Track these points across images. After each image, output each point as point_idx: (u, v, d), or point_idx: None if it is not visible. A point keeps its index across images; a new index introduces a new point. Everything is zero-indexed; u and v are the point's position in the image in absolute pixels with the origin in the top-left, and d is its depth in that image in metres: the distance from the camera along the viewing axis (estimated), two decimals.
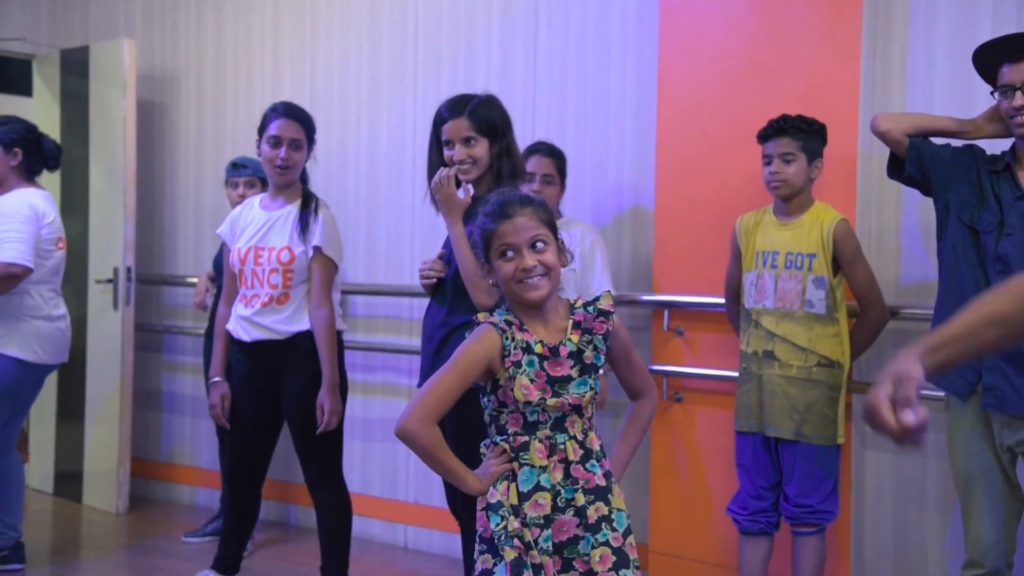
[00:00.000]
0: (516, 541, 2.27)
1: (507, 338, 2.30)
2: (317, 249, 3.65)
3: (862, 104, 3.61)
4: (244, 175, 4.68)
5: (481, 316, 2.37)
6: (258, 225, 3.72)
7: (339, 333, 3.75)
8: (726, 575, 3.82)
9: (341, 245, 3.80)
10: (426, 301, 4.69)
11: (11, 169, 4.22)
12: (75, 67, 5.60)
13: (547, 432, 2.32)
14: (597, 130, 4.27)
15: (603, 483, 2.36)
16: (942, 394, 3.12)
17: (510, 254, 2.32)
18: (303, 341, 3.64)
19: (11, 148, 4.23)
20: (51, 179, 5.61)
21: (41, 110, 5.79)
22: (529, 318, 2.35)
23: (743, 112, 3.80)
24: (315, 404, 3.63)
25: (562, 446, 2.32)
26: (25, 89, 6.18)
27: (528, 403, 2.29)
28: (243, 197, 4.68)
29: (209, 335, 4.82)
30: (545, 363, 2.31)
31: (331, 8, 5.11)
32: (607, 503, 2.35)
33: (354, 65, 5.04)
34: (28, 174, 4.28)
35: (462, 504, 3.16)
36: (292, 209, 3.71)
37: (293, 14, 5.25)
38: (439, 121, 3.19)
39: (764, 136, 3.46)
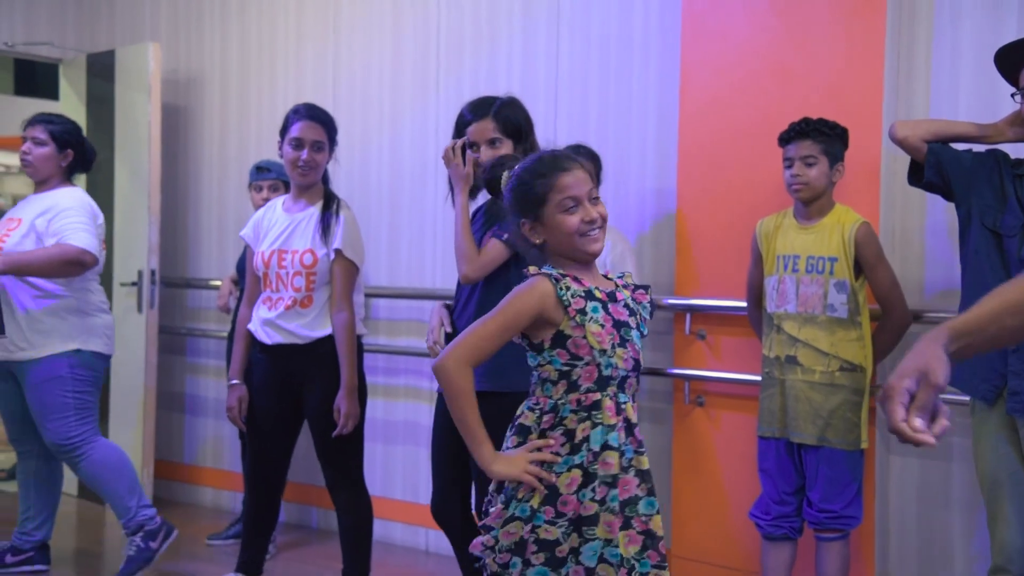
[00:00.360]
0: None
1: (561, 288, 2.28)
2: (338, 252, 3.65)
3: (886, 106, 3.59)
4: (268, 178, 4.70)
5: (532, 269, 2.34)
6: (281, 228, 3.72)
7: (358, 337, 3.75)
8: None
9: (362, 246, 3.79)
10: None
11: (60, 169, 4.24)
12: (101, 71, 5.64)
13: (614, 389, 2.30)
14: (619, 132, 4.26)
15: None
16: (967, 398, 3.09)
17: (573, 206, 2.30)
18: (325, 346, 3.64)
19: (64, 148, 4.25)
20: (78, 182, 5.65)
21: (67, 114, 5.80)
22: (580, 272, 2.35)
23: (766, 114, 3.78)
24: (336, 410, 3.63)
25: (624, 406, 2.32)
26: (52, 93, 6.23)
27: (603, 352, 2.27)
28: (267, 200, 4.69)
29: (232, 337, 4.84)
30: (609, 307, 2.32)
31: (354, 11, 5.13)
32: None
33: (376, 68, 5.05)
34: (70, 174, 4.32)
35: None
36: (314, 211, 3.71)
37: (316, 17, 5.26)
38: (463, 123, 3.20)
39: (785, 139, 3.44)
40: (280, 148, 3.74)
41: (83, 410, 4.11)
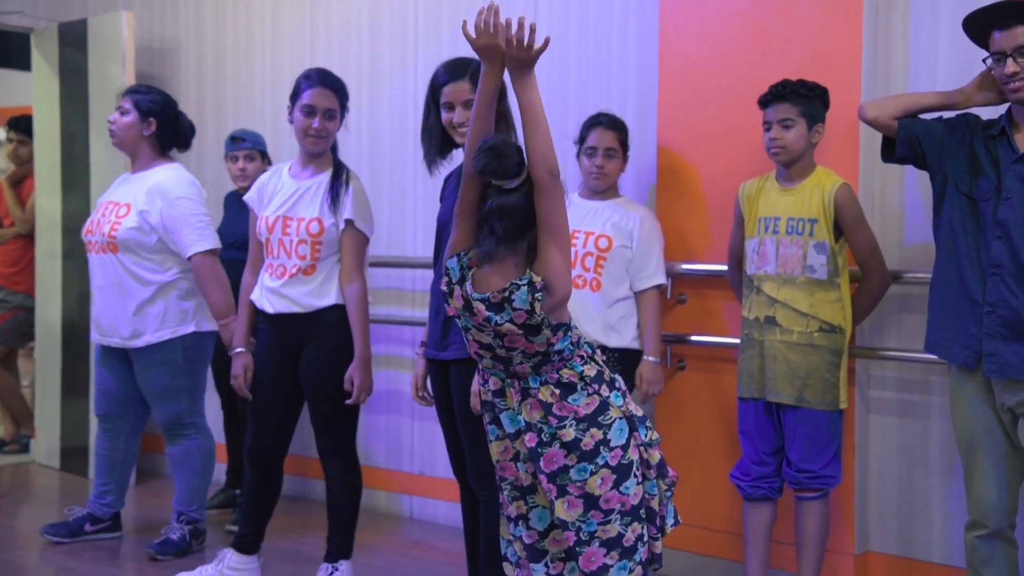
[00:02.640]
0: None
1: None
2: (349, 222, 3.61)
3: (865, 67, 3.58)
4: (243, 148, 4.67)
5: None
6: (287, 194, 3.67)
7: None
8: (731, 541, 3.83)
9: (372, 217, 3.75)
10: (429, 272, 4.68)
11: (143, 139, 4.19)
12: (73, 40, 5.57)
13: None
14: (598, 96, 4.24)
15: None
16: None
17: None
18: (328, 315, 3.61)
19: (147, 117, 4.19)
20: (51, 156, 5.60)
21: (40, 84, 5.76)
22: None
23: (745, 76, 3.77)
24: (333, 376, 3.61)
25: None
26: (24, 63, 6.15)
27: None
28: (243, 171, 4.67)
29: None
30: None
31: None
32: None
33: (354, 33, 5.01)
34: (162, 148, 4.26)
35: (474, 472, 3.15)
36: (323, 179, 3.66)
37: None
38: (437, 84, 3.14)
39: (764, 102, 3.44)
40: (290, 114, 3.68)
41: (194, 390, 4.26)
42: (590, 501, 2.49)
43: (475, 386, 3.02)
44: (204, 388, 4.37)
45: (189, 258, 4.08)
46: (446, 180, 3.32)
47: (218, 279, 4.09)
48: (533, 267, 2.46)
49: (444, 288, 2.54)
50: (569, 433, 2.48)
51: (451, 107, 3.11)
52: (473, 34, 2.47)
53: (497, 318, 2.44)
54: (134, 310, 4.10)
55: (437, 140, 3.18)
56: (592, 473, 2.48)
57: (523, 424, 2.52)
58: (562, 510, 2.50)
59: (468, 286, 2.48)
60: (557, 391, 2.50)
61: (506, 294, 2.42)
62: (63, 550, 4.28)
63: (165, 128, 4.23)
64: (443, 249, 2.94)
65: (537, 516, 2.58)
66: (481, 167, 2.44)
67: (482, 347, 2.53)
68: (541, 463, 2.50)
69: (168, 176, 4.16)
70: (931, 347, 3.11)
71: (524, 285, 2.42)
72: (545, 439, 2.50)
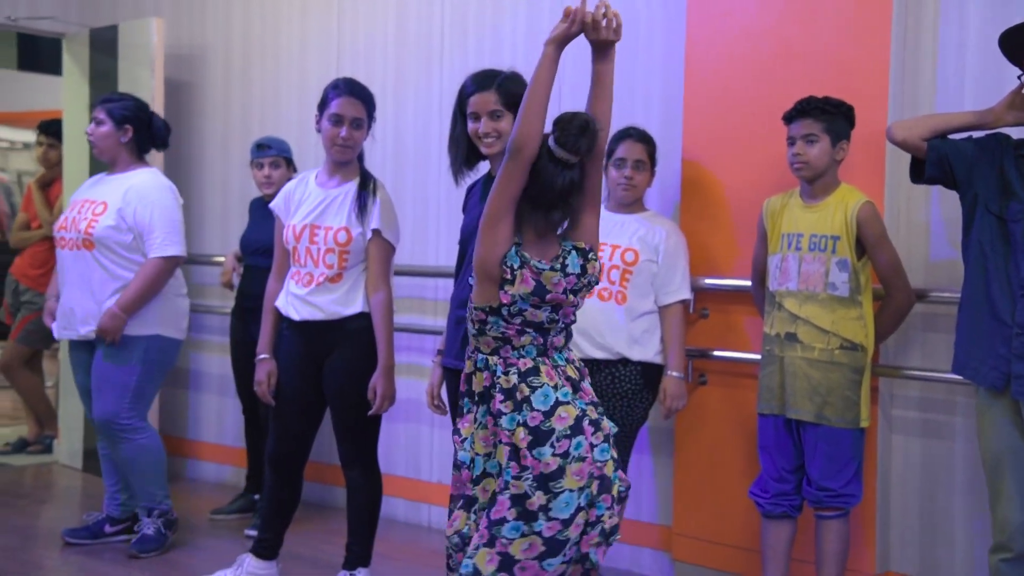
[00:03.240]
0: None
1: None
2: (376, 232, 3.62)
3: (892, 83, 3.56)
4: (268, 155, 4.69)
5: None
6: (315, 202, 3.68)
7: None
8: (750, 558, 3.80)
9: (398, 227, 3.77)
10: (451, 282, 4.69)
11: (121, 146, 4.29)
12: (104, 46, 5.62)
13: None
14: (623, 111, 4.21)
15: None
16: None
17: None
18: (353, 323, 3.62)
19: (123, 125, 4.28)
20: (80, 160, 5.64)
21: (70, 89, 5.82)
22: None
23: (771, 92, 3.76)
24: (357, 384, 3.62)
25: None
26: (55, 68, 6.22)
27: None
28: (268, 177, 4.70)
29: (236, 314, 4.85)
30: None
31: None
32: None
33: (380, 42, 5.03)
34: (139, 152, 4.36)
35: None
36: (350, 188, 3.67)
37: None
38: (464, 95, 3.17)
39: (788, 118, 3.42)
40: (317, 123, 3.70)
41: (141, 394, 4.25)
42: (513, 452, 2.55)
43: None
44: (153, 396, 4.36)
45: (147, 259, 4.17)
46: (469, 191, 3.33)
47: (155, 287, 4.19)
48: (572, 235, 2.66)
49: (507, 277, 2.58)
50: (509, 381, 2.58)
51: (477, 117, 3.12)
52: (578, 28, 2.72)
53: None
54: (102, 304, 4.14)
55: (463, 150, 3.20)
56: (518, 425, 2.54)
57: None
58: (502, 454, 2.57)
59: (537, 262, 2.59)
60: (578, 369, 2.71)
61: (561, 260, 2.60)
62: (82, 551, 4.31)
63: (140, 133, 4.32)
64: (468, 260, 2.96)
65: (563, 503, 2.54)
66: (587, 146, 2.59)
67: (526, 325, 2.60)
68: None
69: (146, 179, 4.28)
70: (959, 368, 3.08)
71: (571, 251, 2.63)
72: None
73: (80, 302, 4.19)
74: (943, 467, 3.57)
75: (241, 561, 3.80)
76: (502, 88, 3.11)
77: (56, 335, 4.39)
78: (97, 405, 4.20)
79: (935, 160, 3.08)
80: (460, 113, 3.19)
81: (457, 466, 2.67)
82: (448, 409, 3.34)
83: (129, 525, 4.43)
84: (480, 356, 2.64)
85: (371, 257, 3.64)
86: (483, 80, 3.15)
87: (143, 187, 4.23)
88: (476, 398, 2.64)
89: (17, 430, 6.55)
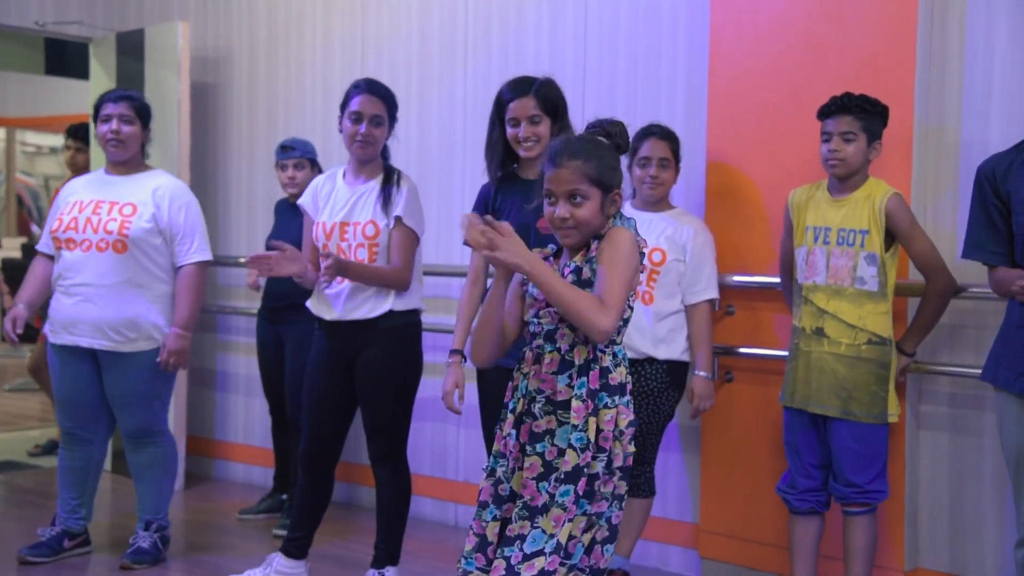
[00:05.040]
0: None
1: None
2: (398, 219, 3.64)
3: (918, 79, 3.55)
4: (293, 157, 4.72)
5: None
6: (343, 200, 3.70)
7: (418, 312, 3.75)
8: (778, 554, 3.79)
9: (423, 216, 3.77)
10: None
11: (140, 147, 4.20)
12: (130, 50, 5.67)
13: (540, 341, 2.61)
14: (647, 108, 4.23)
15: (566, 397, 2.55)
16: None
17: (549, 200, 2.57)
18: (384, 322, 3.63)
19: (147, 126, 4.22)
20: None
21: (97, 93, 5.84)
22: None
23: (796, 88, 3.75)
24: (388, 383, 3.64)
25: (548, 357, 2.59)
26: (82, 72, 6.26)
27: None
28: (292, 179, 4.72)
29: (262, 315, 4.88)
30: None
31: None
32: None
33: (404, 44, 5.05)
34: (143, 154, 4.29)
35: None
36: (375, 184, 3.70)
37: None
38: (503, 101, 3.34)
39: (825, 113, 3.39)
40: (340, 123, 3.72)
41: (167, 397, 4.26)
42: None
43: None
44: (171, 395, 4.33)
45: (183, 265, 4.12)
46: (487, 192, 3.49)
47: (201, 292, 4.21)
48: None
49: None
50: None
51: (516, 122, 3.32)
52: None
53: None
54: (140, 311, 4.06)
55: (499, 155, 3.40)
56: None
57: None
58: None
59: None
60: None
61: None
62: (46, 569, 4.11)
63: (148, 134, 4.26)
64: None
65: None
66: None
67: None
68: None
69: (172, 181, 4.22)
70: (988, 376, 3.04)
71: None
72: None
73: (106, 308, 4.02)
74: (972, 463, 3.55)
75: (270, 560, 3.82)
76: (539, 94, 3.32)
77: (54, 340, 4.11)
78: (134, 418, 4.13)
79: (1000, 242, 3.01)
80: (498, 119, 3.37)
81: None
82: (482, 405, 3.36)
83: (86, 539, 4.30)
84: (619, 348, 2.62)
85: (393, 243, 3.64)
86: (520, 87, 3.34)
87: (173, 189, 4.16)
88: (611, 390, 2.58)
89: (47, 432, 6.61)
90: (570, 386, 2.55)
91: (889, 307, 3.32)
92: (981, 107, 3.52)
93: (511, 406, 2.66)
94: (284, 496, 4.87)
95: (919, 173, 3.57)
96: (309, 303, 3.76)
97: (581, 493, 2.50)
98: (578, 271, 2.58)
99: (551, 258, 2.67)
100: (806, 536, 3.46)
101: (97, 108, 4.20)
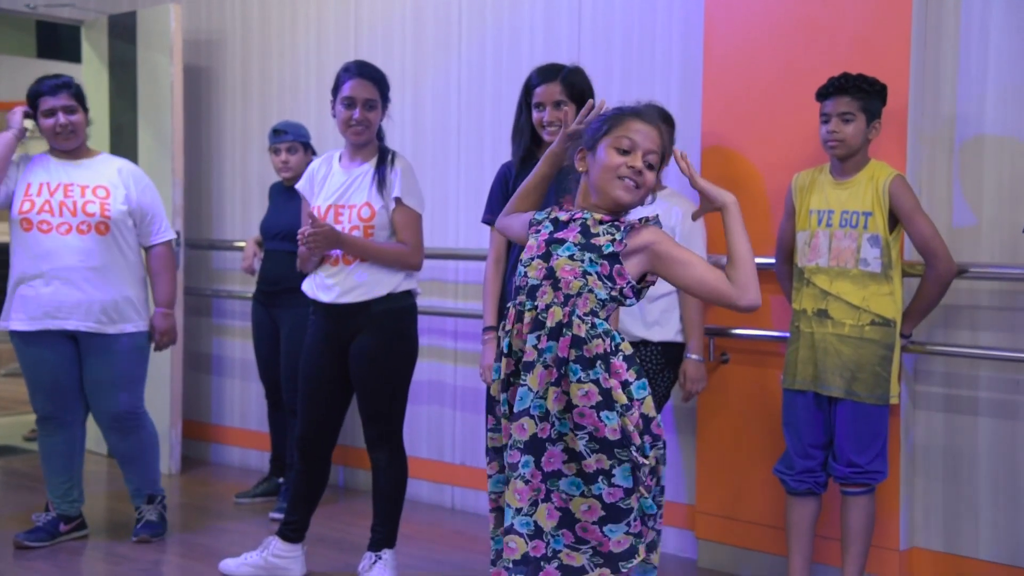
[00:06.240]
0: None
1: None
2: (398, 200, 3.64)
3: (913, 58, 3.54)
4: (285, 140, 4.70)
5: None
6: (338, 183, 3.69)
7: (414, 294, 3.75)
8: (774, 535, 3.81)
9: (422, 194, 3.77)
10: (472, 264, 4.70)
11: (84, 132, 4.22)
12: (123, 32, 5.64)
13: (522, 297, 2.53)
14: (642, 87, 4.22)
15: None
16: (1001, 353, 3.15)
17: (626, 150, 2.44)
18: (380, 305, 3.63)
19: (87, 109, 4.24)
20: (101, 145, 5.66)
21: (90, 76, 5.83)
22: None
23: (791, 68, 3.74)
24: (384, 366, 3.64)
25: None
26: (74, 55, 6.25)
27: None
28: (286, 163, 4.71)
29: (257, 298, 4.86)
30: None
31: None
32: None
33: (398, 25, 5.02)
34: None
35: None
36: (370, 167, 3.69)
37: None
38: (530, 86, 3.44)
39: (824, 94, 3.38)
40: (332, 108, 3.71)
41: (145, 379, 4.30)
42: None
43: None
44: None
45: (153, 245, 4.21)
46: (504, 174, 3.54)
47: (174, 268, 4.30)
48: None
49: None
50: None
51: (542, 107, 3.40)
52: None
53: None
54: (124, 293, 4.12)
55: (527, 139, 3.48)
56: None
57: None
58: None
59: None
60: None
61: None
62: (43, 554, 4.10)
63: (88, 116, 4.26)
64: None
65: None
66: None
67: None
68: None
69: (128, 163, 4.30)
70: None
71: None
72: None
73: (95, 290, 4.05)
74: (967, 442, 3.56)
75: (267, 544, 3.83)
76: (566, 80, 3.41)
77: (31, 327, 4.04)
78: (119, 401, 4.15)
79: None
80: (525, 104, 3.46)
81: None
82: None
83: (82, 522, 4.30)
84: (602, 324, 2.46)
85: (400, 226, 3.64)
86: (548, 73, 3.43)
87: (134, 170, 4.24)
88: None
89: None
90: (536, 348, 2.40)
91: (893, 289, 3.32)
92: (976, 87, 3.52)
93: (496, 370, 2.52)
94: (280, 480, 4.88)
95: (914, 153, 3.57)
96: (304, 286, 3.75)
97: (550, 470, 2.35)
98: (586, 231, 2.44)
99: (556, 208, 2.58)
100: (803, 517, 3.47)
101: (33, 99, 4.16)
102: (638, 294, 2.46)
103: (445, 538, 4.46)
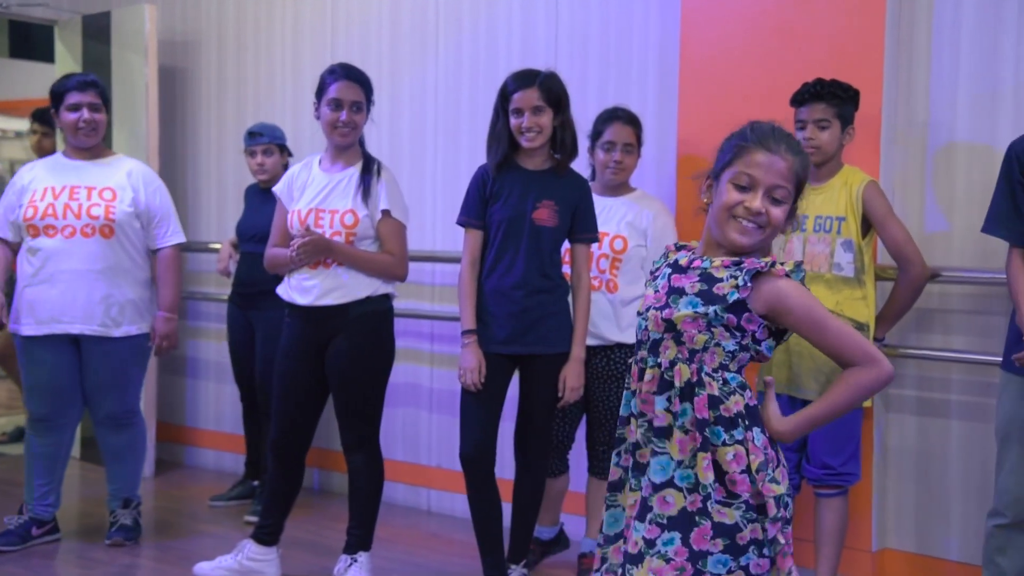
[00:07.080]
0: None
1: None
2: (385, 212, 3.64)
3: (887, 64, 3.58)
4: (261, 143, 4.68)
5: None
6: (319, 187, 3.68)
7: (390, 297, 3.75)
8: None
9: (406, 207, 3.78)
10: (449, 267, 4.70)
11: (103, 132, 4.21)
12: (97, 33, 5.60)
13: (643, 353, 2.24)
14: (619, 91, 4.24)
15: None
16: (977, 356, 3.27)
17: (745, 186, 2.16)
18: (357, 308, 3.62)
19: (108, 111, 4.24)
20: None
21: (63, 76, 5.79)
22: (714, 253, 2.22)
23: (766, 73, 3.77)
24: (360, 369, 3.63)
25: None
26: (47, 55, 6.20)
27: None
28: (261, 165, 4.69)
29: (233, 301, 4.85)
30: None
31: None
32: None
33: (375, 27, 5.02)
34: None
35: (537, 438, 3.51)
36: (354, 172, 3.68)
37: None
38: (507, 92, 3.45)
39: (799, 100, 3.40)
40: (316, 110, 3.70)
41: (142, 380, 4.34)
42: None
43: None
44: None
45: (159, 248, 4.20)
46: (482, 177, 3.55)
47: (180, 273, 4.31)
48: None
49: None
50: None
51: (520, 113, 3.43)
52: None
53: None
54: (127, 296, 4.11)
55: (505, 145, 3.48)
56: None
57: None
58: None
59: None
60: None
61: None
62: (14, 557, 4.07)
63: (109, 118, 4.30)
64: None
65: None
66: None
67: None
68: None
69: (141, 165, 4.28)
70: (1007, 365, 3.09)
71: None
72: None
73: (98, 293, 4.04)
74: (938, 444, 3.60)
75: (242, 547, 3.81)
76: (543, 85, 3.43)
77: (36, 331, 4.04)
78: (115, 402, 4.16)
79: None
80: (502, 110, 3.47)
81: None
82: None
83: (54, 526, 4.27)
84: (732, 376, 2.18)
85: (386, 238, 3.66)
86: (525, 79, 3.44)
87: (145, 173, 4.22)
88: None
89: (14, 420, 6.55)
90: (669, 411, 2.15)
91: (866, 293, 3.35)
92: (948, 94, 3.56)
93: (621, 430, 2.26)
94: (255, 483, 4.86)
95: (887, 159, 3.60)
96: (279, 290, 3.74)
97: (700, 548, 2.08)
98: (708, 279, 2.14)
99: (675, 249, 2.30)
100: None
101: (59, 95, 4.16)
102: (778, 336, 2.19)
103: (421, 541, 4.46)
